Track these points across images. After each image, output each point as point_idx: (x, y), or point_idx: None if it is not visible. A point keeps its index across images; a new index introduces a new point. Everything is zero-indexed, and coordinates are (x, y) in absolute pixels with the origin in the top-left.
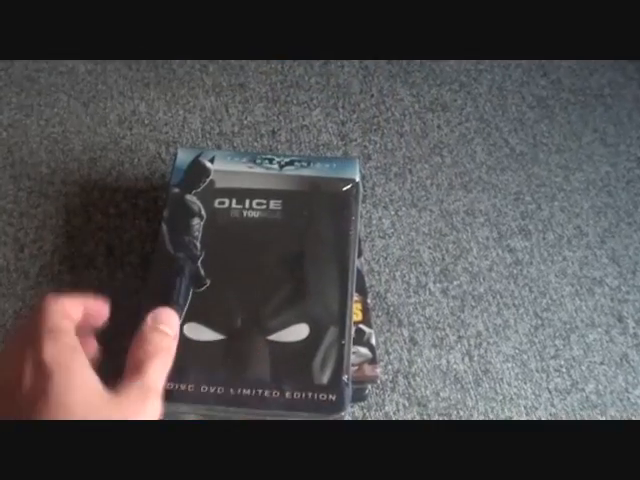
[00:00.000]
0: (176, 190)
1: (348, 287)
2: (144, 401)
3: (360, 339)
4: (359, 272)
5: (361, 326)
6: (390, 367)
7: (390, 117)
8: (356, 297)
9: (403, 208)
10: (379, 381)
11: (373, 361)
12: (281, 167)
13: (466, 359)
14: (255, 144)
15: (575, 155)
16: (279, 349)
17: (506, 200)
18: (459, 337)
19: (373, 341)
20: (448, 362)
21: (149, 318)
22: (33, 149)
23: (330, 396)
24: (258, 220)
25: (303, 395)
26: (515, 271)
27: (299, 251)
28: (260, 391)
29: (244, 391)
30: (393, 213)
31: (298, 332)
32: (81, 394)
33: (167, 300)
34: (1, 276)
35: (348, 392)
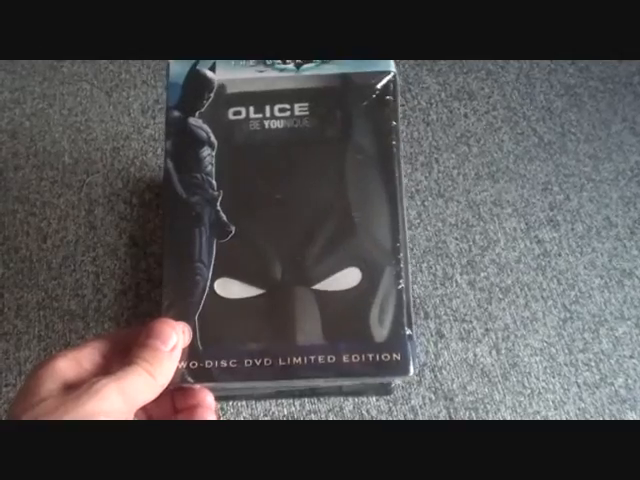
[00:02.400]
0: (176, 113)
1: (399, 215)
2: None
3: None
4: None
5: None
6: (417, 360)
7: (416, 105)
8: None
9: (429, 198)
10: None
11: None
12: (298, 67)
13: (493, 352)
14: None
15: (604, 144)
16: (329, 300)
17: (534, 190)
18: (486, 330)
19: None
20: (475, 355)
21: (142, 333)
22: (56, 138)
23: (394, 355)
24: (283, 132)
25: (362, 357)
26: (543, 263)
27: (339, 172)
28: (313, 358)
29: (294, 360)
30: (419, 203)
31: (349, 278)
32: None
33: (189, 260)
34: (24, 266)
35: (413, 348)
